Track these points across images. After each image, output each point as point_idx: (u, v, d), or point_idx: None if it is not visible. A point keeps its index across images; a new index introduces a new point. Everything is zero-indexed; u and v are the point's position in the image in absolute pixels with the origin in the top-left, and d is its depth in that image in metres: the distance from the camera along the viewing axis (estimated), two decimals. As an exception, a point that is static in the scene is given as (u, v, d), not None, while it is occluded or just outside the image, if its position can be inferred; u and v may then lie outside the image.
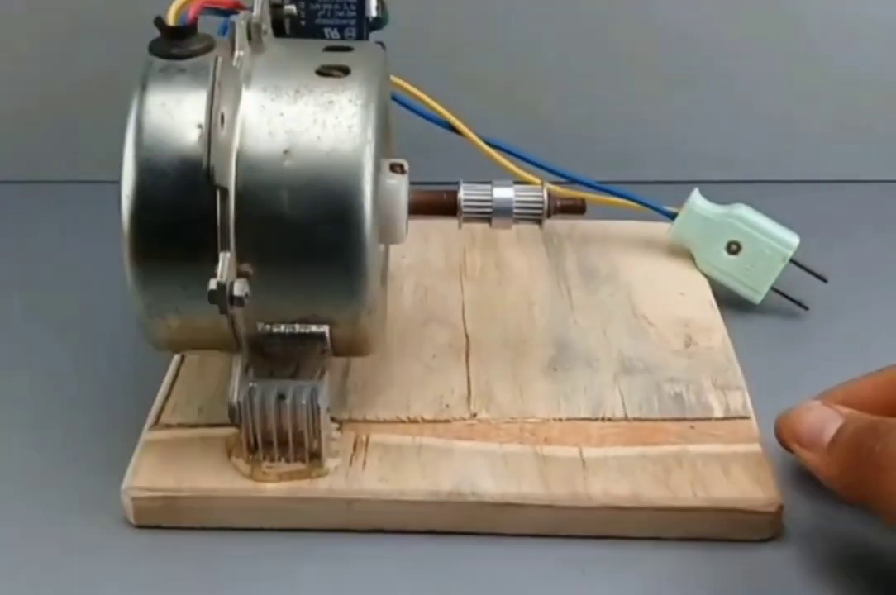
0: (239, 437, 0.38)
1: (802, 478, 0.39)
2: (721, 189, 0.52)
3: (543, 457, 0.39)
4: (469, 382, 0.43)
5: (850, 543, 0.37)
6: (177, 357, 0.43)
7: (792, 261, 0.49)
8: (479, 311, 0.47)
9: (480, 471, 0.38)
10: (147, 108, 0.34)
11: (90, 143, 0.50)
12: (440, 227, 0.47)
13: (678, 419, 0.41)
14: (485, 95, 0.57)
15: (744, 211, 0.50)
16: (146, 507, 0.37)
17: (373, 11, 0.42)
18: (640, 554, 0.37)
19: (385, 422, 0.41)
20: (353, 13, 0.42)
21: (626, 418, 0.41)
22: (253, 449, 0.38)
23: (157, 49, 0.35)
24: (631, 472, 0.38)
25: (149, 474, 0.38)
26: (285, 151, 0.34)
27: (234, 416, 0.37)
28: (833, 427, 0.34)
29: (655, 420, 0.41)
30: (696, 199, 0.51)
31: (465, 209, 0.40)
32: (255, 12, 0.36)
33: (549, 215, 0.40)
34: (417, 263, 0.51)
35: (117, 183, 0.34)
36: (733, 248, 0.50)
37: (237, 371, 0.36)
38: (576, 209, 0.41)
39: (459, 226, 0.40)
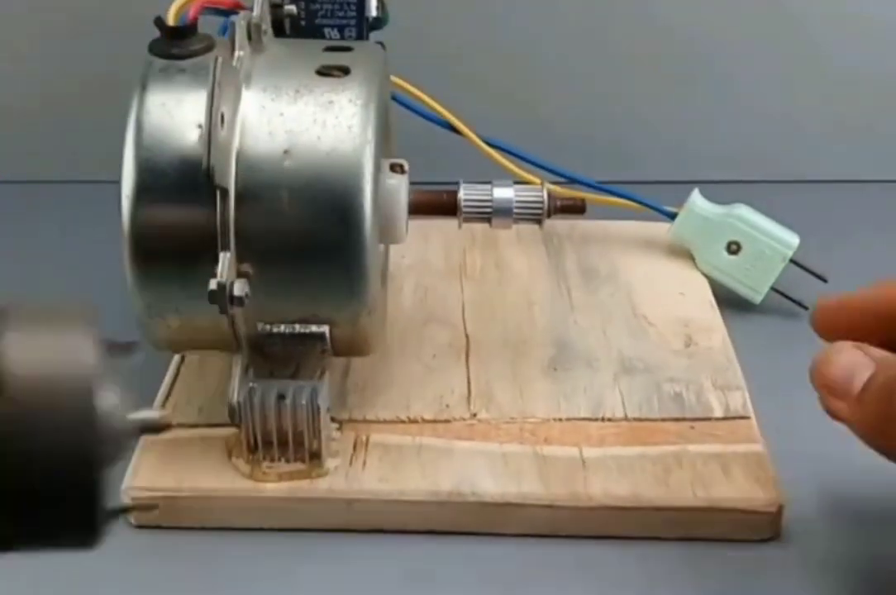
0: (239, 437, 0.38)
1: (802, 478, 0.39)
2: (721, 189, 0.52)
3: (543, 457, 0.39)
4: (469, 382, 0.43)
5: (850, 543, 0.37)
6: (177, 357, 0.43)
7: (792, 261, 0.49)
8: (479, 311, 0.47)
9: (480, 471, 0.38)
10: (147, 108, 0.34)
11: (90, 143, 0.50)
12: (440, 227, 0.47)
13: (678, 419, 0.41)
14: (485, 95, 0.57)
15: (744, 211, 0.50)
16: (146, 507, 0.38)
17: (373, 11, 0.42)
18: (640, 554, 0.37)
19: (385, 422, 0.41)
20: (353, 13, 0.42)
21: (626, 418, 0.41)
22: (253, 449, 0.38)
23: (157, 49, 0.35)
24: (631, 472, 0.38)
25: (149, 474, 0.38)
26: (285, 151, 0.34)
27: (234, 416, 0.37)
28: (864, 374, 0.33)
29: (655, 420, 0.41)
30: (696, 199, 0.51)
31: (465, 209, 0.40)
32: (255, 12, 0.36)
33: (549, 215, 0.40)
34: (417, 263, 0.51)
35: (117, 183, 0.34)
36: (733, 248, 0.50)
37: (237, 371, 0.36)
38: (576, 209, 0.41)
39: (459, 226, 0.40)
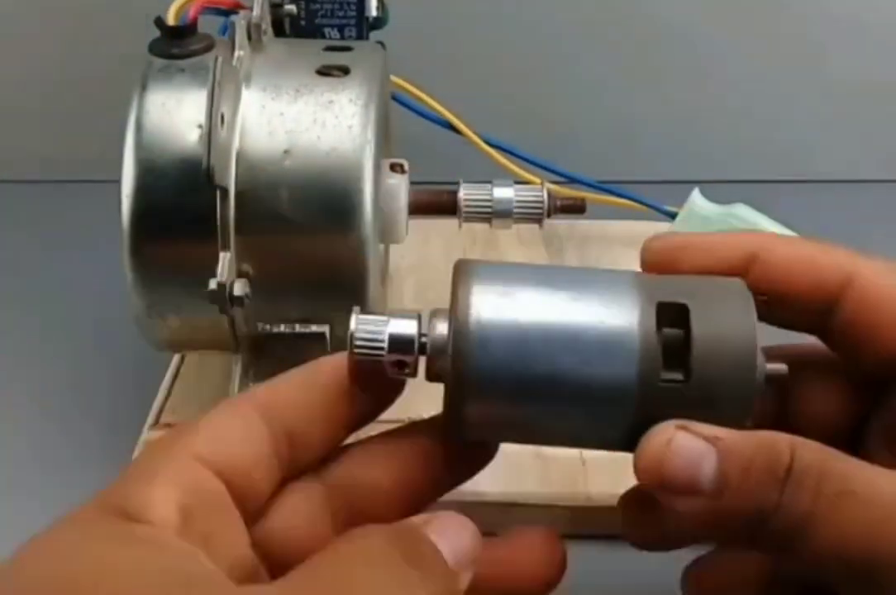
0: (239, 437, 0.38)
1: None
2: (721, 189, 0.52)
3: (544, 457, 0.39)
4: (469, 382, 0.42)
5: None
6: (177, 357, 0.43)
7: (792, 261, 0.49)
8: (479, 311, 0.47)
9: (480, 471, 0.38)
10: (147, 108, 0.34)
11: (90, 143, 0.50)
12: (440, 227, 0.47)
13: (678, 419, 0.41)
14: (485, 95, 0.57)
15: (744, 211, 0.50)
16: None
17: (373, 11, 0.42)
18: (640, 554, 0.37)
19: (385, 422, 0.40)
20: (353, 13, 0.42)
21: (626, 418, 0.41)
22: (253, 449, 0.38)
23: (157, 49, 0.35)
24: (631, 471, 0.38)
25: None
26: (285, 151, 0.34)
27: (234, 416, 0.37)
28: (707, 464, 0.27)
29: (655, 420, 0.41)
30: (696, 198, 0.50)
31: (465, 209, 0.40)
32: (255, 12, 0.36)
33: (549, 215, 0.40)
34: (417, 263, 0.51)
35: (117, 183, 0.34)
36: (733, 248, 0.50)
37: (237, 371, 0.36)
38: (576, 209, 0.41)
39: (459, 226, 0.40)
